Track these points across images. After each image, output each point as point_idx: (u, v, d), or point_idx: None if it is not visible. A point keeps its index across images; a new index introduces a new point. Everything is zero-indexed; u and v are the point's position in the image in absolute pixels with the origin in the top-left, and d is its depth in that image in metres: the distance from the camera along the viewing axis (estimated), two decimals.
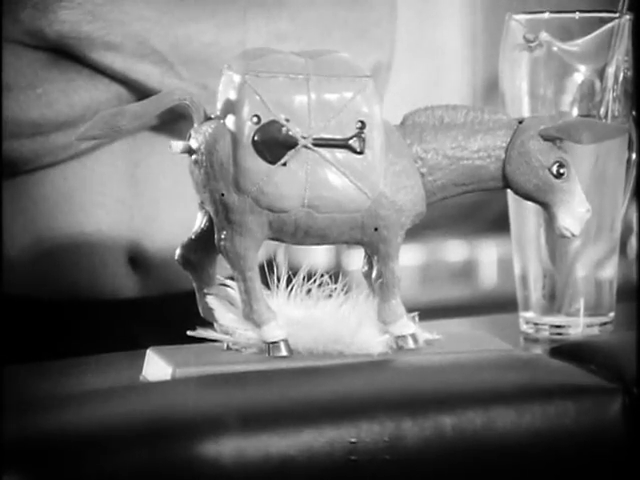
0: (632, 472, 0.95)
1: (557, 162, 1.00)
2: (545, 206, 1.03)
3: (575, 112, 1.25)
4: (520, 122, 1.03)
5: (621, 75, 1.28)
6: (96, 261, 1.56)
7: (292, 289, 1.05)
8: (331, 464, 0.87)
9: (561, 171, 1.00)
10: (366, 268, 1.04)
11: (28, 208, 1.57)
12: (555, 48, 1.26)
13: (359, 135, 0.99)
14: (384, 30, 1.58)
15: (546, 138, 1.00)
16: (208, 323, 1.06)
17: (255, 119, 0.97)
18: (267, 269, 1.03)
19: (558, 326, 1.32)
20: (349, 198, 0.98)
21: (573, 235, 1.03)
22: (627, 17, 1.27)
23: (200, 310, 1.06)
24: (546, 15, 1.28)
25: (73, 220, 1.56)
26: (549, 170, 1.00)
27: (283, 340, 1.01)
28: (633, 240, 2.31)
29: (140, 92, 1.48)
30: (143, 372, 1.07)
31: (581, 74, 1.25)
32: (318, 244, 1.03)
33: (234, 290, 1.03)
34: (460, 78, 4.42)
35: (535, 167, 1.00)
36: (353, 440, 0.90)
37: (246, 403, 0.92)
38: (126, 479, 0.84)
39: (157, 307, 1.58)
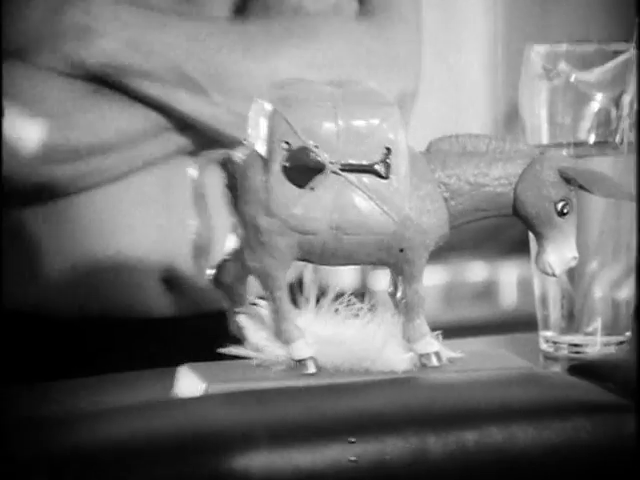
0: None
1: (564, 201, 1.01)
2: (537, 235, 1.04)
3: (592, 139, 1.27)
4: (541, 153, 1.04)
5: (636, 103, 1.29)
6: (131, 281, 1.59)
7: (320, 308, 1.05)
8: (358, 478, 0.88)
9: (565, 210, 1.01)
10: (391, 288, 1.05)
11: (66, 230, 1.60)
12: (573, 77, 1.28)
13: (385, 161, 1.00)
14: (409, 61, 1.60)
15: (562, 175, 1.01)
16: (239, 341, 1.06)
17: (285, 145, 0.98)
18: (296, 289, 1.04)
19: (576, 345, 1.33)
20: (375, 221, 0.99)
21: (553, 274, 1.04)
22: None
23: (231, 328, 1.07)
24: (564, 46, 1.30)
25: (109, 242, 1.59)
26: (555, 205, 1.01)
27: (311, 357, 1.02)
28: None
29: (176, 119, 1.51)
30: (176, 388, 1.08)
31: (598, 102, 1.27)
32: (345, 265, 1.04)
33: (264, 309, 1.04)
34: (482, 106, 4.46)
35: (543, 196, 1.01)
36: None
37: (275, 419, 0.92)
38: None
39: (190, 326, 1.61)
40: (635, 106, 1.28)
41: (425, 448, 0.89)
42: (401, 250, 1.01)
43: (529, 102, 1.32)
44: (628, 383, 1.05)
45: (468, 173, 1.02)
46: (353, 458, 0.88)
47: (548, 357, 1.34)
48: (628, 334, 1.33)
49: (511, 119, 4.02)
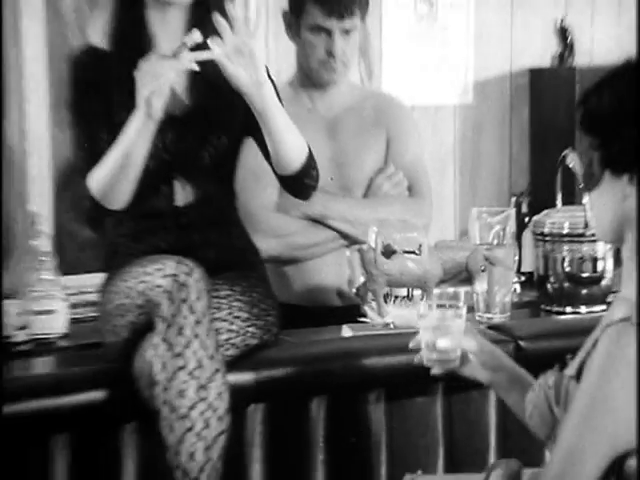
0: None
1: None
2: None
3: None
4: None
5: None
6: (320, 292, 3.04)
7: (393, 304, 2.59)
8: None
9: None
10: (423, 297, 2.59)
11: (298, 273, 2.96)
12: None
13: (419, 248, 2.52)
14: (428, 212, 3.00)
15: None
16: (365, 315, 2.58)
17: (381, 243, 2.52)
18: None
19: (489, 318, 2.65)
20: (415, 271, 2.51)
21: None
22: None
23: (362, 311, 2.58)
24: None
25: (317, 279, 2.96)
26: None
27: (392, 322, 2.53)
28: None
29: (341, 233, 2.89)
30: (342, 332, 2.64)
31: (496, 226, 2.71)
32: (403, 287, 2.58)
33: (373, 304, 2.59)
34: None
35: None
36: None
37: (372, 344, 2.52)
38: None
39: (346, 311, 2.84)
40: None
41: None
42: (425, 282, 2.54)
43: None
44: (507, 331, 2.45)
45: (459, 256, 2.53)
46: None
47: (482, 323, 2.67)
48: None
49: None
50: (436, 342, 1.98)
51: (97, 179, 2.36)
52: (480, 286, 2.61)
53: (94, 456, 2.30)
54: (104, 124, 2.38)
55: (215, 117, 2.42)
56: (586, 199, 1.83)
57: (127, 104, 2.30)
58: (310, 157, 2.45)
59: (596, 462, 1.66)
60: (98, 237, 2.49)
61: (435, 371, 2.01)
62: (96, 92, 2.33)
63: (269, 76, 2.40)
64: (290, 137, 2.41)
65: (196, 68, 2.27)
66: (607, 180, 1.74)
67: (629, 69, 1.75)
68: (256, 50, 2.30)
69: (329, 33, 2.91)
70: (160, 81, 2.25)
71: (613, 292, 2.76)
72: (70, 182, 2.47)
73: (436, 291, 2.61)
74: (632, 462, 1.65)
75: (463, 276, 2.68)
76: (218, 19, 2.26)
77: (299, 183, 2.49)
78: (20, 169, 3.56)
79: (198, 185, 2.44)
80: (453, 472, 2.52)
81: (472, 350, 1.99)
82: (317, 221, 2.94)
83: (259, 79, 2.31)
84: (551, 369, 1.84)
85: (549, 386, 1.79)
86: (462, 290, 3.17)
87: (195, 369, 2.12)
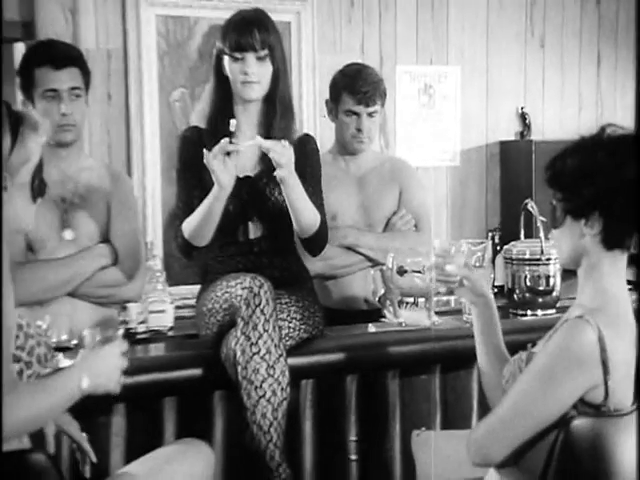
0: None
1: None
2: None
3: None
4: None
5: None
6: (351, 300, 3.02)
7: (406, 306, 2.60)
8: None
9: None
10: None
11: (336, 288, 2.95)
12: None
13: (422, 268, 2.51)
14: (428, 242, 2.86)
15: None
16: (384, 317, 2.58)
17: (396, 265, 2.51)
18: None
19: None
20: (420, 285, 2.51)
21: None
22: None
23: (383, 312, 2.58)
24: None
25: (348, 289, 2.96)
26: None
27: (404, 321, 2.53)
28: None
29: (367, 257, 2.91)
30: (368, 329, 2.63)
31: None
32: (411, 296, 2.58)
33: (390, 307, 2.59)
34: None
35: None
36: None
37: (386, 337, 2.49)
38: None
39: (372, 313, 2.83)
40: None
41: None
42: (427, 293, 2.53)
43: None
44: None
45: None
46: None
47: (467, 322, 2.54)
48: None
49: None
50: (444, 266, 2.03)
51: (188, 226, 2.36)
52: None
53: (193, 415, 2.31)
54: (197, 185, 2.37)
55: (276, 178, 2.39)
56: (551, 235, 1.84)
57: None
58: (321, 229, 2.39)
59: (533, 414, 1.65)
60: (191, 262, 2.52)
61: (440, 289, 2.06)
62: (196, 160, 2.30)
63: (315, 151, 2.44)
64: (304, 215, 2.35)
65: (242, 149, 2.24)
66: (568, 222, 1.75)
67: (584, 143, 1.75)
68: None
69: (358, 115, 2.91)
70: (218, 164, 2.22)
71: (561, 300, 2.76)
72: (173, 222, 2.45)
73: (435, 299, 2.61)
74: (578, 422, 1.63)
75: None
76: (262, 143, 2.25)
77: (311, 245, 2.44)
78: (140, 211, 3.55)
79: (266, 224, 2.43)
80: (447, 429, 2.50)
81: (467, 283, 2.00)
82: (350, 248, 2.94)
83: (290, 171, 2.28)
84: (522, 351, 1.83)
85: (522, 360, 1.78)
86: (452, 298, 3.15)
87: (265, 354, 2.12)
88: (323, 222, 2.41)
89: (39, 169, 1.64)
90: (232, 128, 2.23)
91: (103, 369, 1.69)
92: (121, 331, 1.85)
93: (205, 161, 2.23)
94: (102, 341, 1.78)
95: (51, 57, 2.44)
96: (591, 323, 1.65)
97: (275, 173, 2.25)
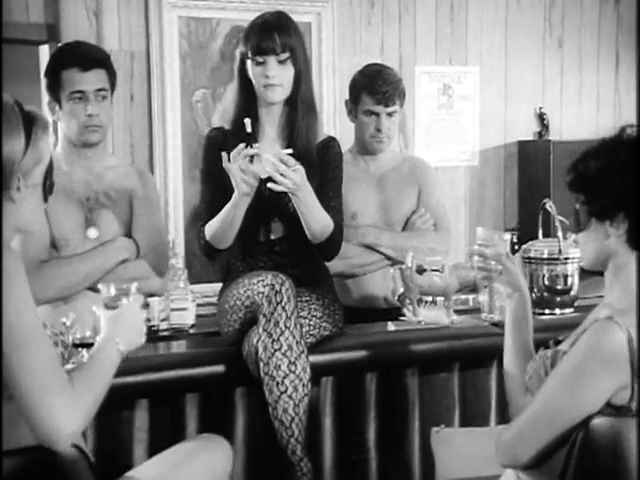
0: None
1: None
2: None
3: None
4: None
5: None
6: (371, 300, 3.02)
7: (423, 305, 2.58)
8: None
9: None
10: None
11: (356, 286, 2.95)
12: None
13: (442, 267, 2.52)
14: (448, 242, 2.96)
15: None
16: (403, 315, 2.59)
17: (415, 264, 2.52)
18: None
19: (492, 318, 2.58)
20: (440, 284, 2.51)
21: None
22: None
23: (402, 311, 2.58)
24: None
25: (369, 289, 2.95)
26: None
27: (422, 319, 2.53)
28: None
29: (386, 256, 2.91)
30: (387, 327, 2.64)
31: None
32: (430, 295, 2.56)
33: (409, 306, 2.60)
34: None
35: None
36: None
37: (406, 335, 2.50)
38: None
39: (392, 311, 2.81)
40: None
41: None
42: (445, 292, 2.53)
43: None
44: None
45: (469, 275, 2.55)
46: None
47: (486, 321, 2.63)
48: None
49: None
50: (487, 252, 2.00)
51: (210, 229, 2.37)
52: (483, 296, 2.59)
53: (215, 411, 2.32)
54: (221, 186, 2.36)
55: None
56: (575, 239, 1.82)
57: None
58: (333, 236, 2.38)
59: (562, 416, 1.64)
60: (210, 261, 2.54)
61: (478, 276, 2.01)
62: (220, 162, 2.29)
63: (338, 154, 2.44)
64: (314, 226, 2.35)
65: (257, 152, 2.23)
66: (593, 225, 1.74)
67: (605, 145, 1.74)
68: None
69: (378, 115, 2.92)
70: (236, 171, 2.22)
71: (579, 299, 2.74)
72: (196, 221, 2.46)
73: (453, 297, 2.61)
74: (597, 421, 1.62)
75: (472, 287, 2.68)
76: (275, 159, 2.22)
77: (323, 251, 2.43)
78: (163, 210, 3.56)
79: (287, 224, 2.43)
80: (466, 426, 2.50)
81: (506, 275, 1.97)
82: (370, 247, 2.93)
83: (303, 181, 2.27)
84: (545, 347, 1.82)
85: (547, 357, 1.76)
86: (470, 297, 3.16)
87: (287, 351, 2.14)
88: (336, 229, 2.39)
89: (50, 169, 1.64)
90: (248, 129, 2.24)
91: (132, 327, 1.75)
92: (135, 284, 1.87)
93: (224, 165, 2.24)
94: (118, 294, 1.81)
95: (79, 59, 2.46)
96: (620, 325, 1.64)
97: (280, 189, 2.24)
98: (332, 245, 2.41)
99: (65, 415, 1.50)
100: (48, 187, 1.64)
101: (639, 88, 4.67)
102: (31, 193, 1.60)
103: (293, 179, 2.22)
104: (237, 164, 2.21)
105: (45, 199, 1.65)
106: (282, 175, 2.21)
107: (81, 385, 1.55)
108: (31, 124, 1.59)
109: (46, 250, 2.46)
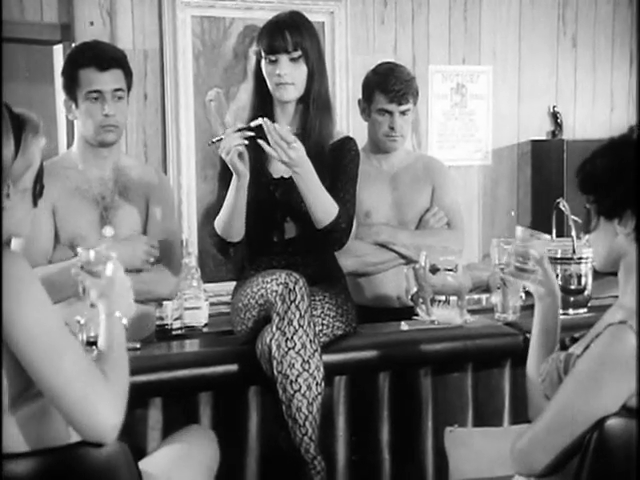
0: None
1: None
2: None
3: None
4: None
5: None
6: (382, 299, 3.02)
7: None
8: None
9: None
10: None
11: (369, 284, 2.95)
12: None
13: (455, 267, 2.51)
14: (461, 241, 2.94)
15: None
16: (417, 314, 2.58)
17: (429, 263, 2.51)
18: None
19: (505, 317, 2.58)
20: (452, 283, 2.51)
21: None
22: None
23: (416, 310, 2.58)
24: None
25: (381, 288, 2.93)
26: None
27: (436, 319, 2.52)
28: None
29: (399, 255, 2.91)
30: (401, 327, 2.63)
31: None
32: (444, 295, 2.56)
33: (422, 304, 2.59)
34: None
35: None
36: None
37: (415, 333, 2.48)
38: None
39: (404, 310, 2.79)
40: None
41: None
42: (459, 291, 2.52)
43: None
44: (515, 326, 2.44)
45: (483, 274, 2.52)
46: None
47: (499, 320, 2.62)
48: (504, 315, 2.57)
49: None
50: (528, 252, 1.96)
51: (219, 222, 2.37)
52: (496, 296, 2.56)
53: (228, 409, 2.32)
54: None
55: None
56: (587, 240, 1.80)
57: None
58: (338, 220, 2.32)
59: (578, 421, 1.62)
60: (227, 260, 2.53)
61: (509, 277, 1.97)
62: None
63: (354, 154, 2.42)
64: (317, 206, 2.31)
65: (245, 142, 2.25)
66: (602, 224, 1.73)
67: (613, 144, 1.74)
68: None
69: (391, 114, 2.91)
70: (231, 150, 2.23)
71: (592, 299, 2.73)
72: (210, 220, 2.46)
73: (467, 297, 2.60)
74: (612, 422, 1.61)
75: (485, 287, 2.67)
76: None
77: (327, 237, 2.36)
78: (176, 209, 3.51)
79: (300, 224, 2.43)
80: (479, 426, 2.49)
81: (542, 277, 1.94)
82: (383, 246, 2.92)
83: (300, 158, 2.26)
84: (561, 347, 1.81)
85: (560, 360, 1.75)
86: (484, 297, 3.15)
87: (300, 349, 2.14)
88: (343, 217, 2.33)
89: (40, 173, 1.61)
90: (253, 124, 2.25)
91: (125, 297, 1.74)
92: (108, 246, 1.82)
93: (219, 152, 2.25)
94: (97, 259, 1.76)
95: (96, 58, 2.45)
96: (634, 329, 1.62)
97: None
98: (336, 231, 2.34)
99: (108, 408, 1.51)
100: (38, 191, 1.62)
101: (639, 88, 4.65)
102: (21, 198, 1.58)
103: (288, 154, 2.22)
104: (230, 143, 2.22)
105: (35, 203, 1.62)
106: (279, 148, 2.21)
107: (112, 373, 1.56)
108: (21, 129, 1.55)
109: (48, 253, 2.46)
